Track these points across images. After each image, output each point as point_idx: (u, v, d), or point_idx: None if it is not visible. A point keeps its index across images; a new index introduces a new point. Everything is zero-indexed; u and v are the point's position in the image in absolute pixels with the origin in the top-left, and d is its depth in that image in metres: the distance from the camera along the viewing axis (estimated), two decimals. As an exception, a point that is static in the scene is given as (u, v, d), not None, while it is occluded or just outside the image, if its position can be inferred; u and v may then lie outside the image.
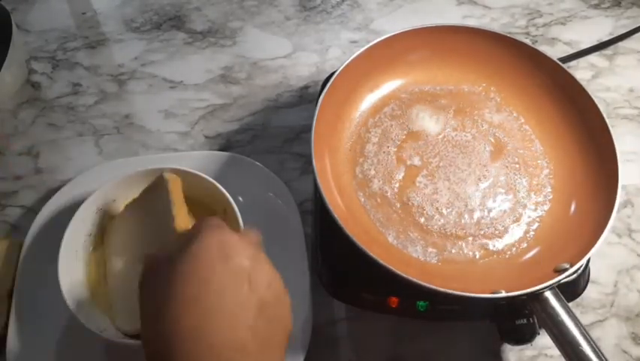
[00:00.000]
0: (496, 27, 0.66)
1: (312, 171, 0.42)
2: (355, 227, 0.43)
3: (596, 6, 0.68)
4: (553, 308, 0.38)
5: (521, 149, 0.49)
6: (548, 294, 0.39)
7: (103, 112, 0.60)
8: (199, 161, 0.52)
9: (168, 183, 0.42)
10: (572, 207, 0.46)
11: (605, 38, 0.65)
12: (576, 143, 0.48)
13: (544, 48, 0.54)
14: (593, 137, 0.47)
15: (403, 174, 0.47)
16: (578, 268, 0.40)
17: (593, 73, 0.63)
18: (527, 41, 0.51)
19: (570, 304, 0.39)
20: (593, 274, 0.46)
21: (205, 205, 0.46)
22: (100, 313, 0.41)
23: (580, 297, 0.44)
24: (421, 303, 0.42)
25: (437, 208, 0.46)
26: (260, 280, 0.31)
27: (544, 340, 0.44)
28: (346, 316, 0.48)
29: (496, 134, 0.50)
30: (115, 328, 0.40)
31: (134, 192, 0.45)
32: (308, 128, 0.44)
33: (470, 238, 0.45)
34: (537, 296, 0.38)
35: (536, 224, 0.45)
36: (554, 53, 0.62)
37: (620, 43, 0.65)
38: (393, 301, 0.42)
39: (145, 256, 0.33)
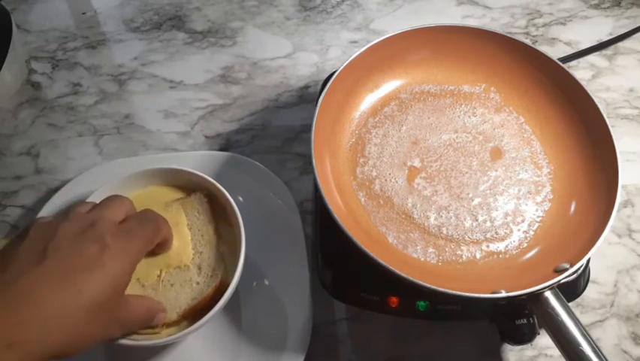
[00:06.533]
0: (496, 27, 0.66)
1: (312, 171, 0.42)
2: (355, 227, 0.43)
3: (596, 6, 0.68)
4: (553, 308, 0.38)
5: (521, 149, 0.49)
6: (548, 294, 0.39)
7: (103, 112, 0.60)
8: (199, 161, 0.52)
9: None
10: (572, 207, 0.46)
11: (605, 38, 0.65)
12: (576, 143, 0.48)
13: (544, 48, 0.54)
14: (593, 137, 0.47)
15: (403, 175, 0.47)
16: (578, 268, 0.40)
17: (593, 73, 0.63)
18: (527, 41, 0.51)
19: (570, 304, 0.39)
20: (593, 274, 0.46)
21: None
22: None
23: (580, 297, 0.44)
24: (421, 303, 0.42)
25: (437, 209, 0.46)
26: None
27: (544, 340, 0.44)
28: (346, 316, 0.48)
29: (496, 134, 0.50)
30: None
31: (134, 192, 0.45)
32: (308, 128, 0.44)
33: (470, 239, 0.45)
34: (537, 296, 0.38)
35: (536, 224, 0.45)
36: (554, 53, 0.62)
37: (620, 44, 0.65)
38: (394, 301, 0.42)
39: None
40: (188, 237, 0.42)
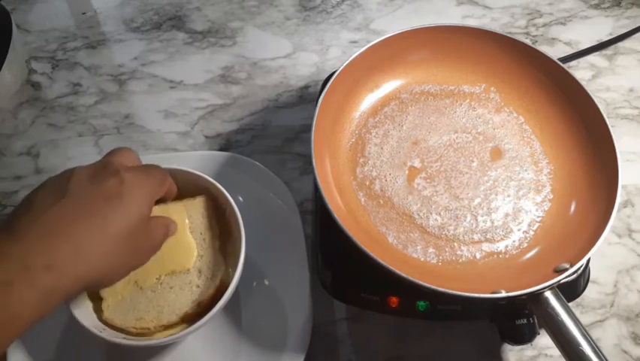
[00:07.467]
0: (496, 27, 0.66)
1: (312, 171, 0.42)
2: (355, 227, 0.43)
3: (596, 6, 0.68)
4: (553, 308, 0.38)
5: (521, 149, 0.49)
6: (548, 294, 0.39)
7: (103, 112, 0.60)
8: (199, 161, 0.52)
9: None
10: (572, 207, 0.46)
11: (605, 38, 0.65)
12: (576, 143, 0.48)
13: (544, 48, 0.54)
14: (593, 137, 0.47)
15: (403, 175, 0.47)
16: (578, 268, 0.40)
17: (593, 73, 0.63)
18: (527, 41, 0.51)
19: (570, 304, 0.39)
20: (593, 274, 0.46)
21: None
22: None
23: (580, 297, 0.44)
24: (421, 303, 0.42)
25: (437, 209, 0.46)
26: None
27: (544, 340, 0.44)
28: (346, 316, 0.48)
29: (496, 134, 0.50)
30: (103, 321, 0.40)
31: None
32: (308, 128, 0.44)
33: (470, 239, 0.45)
34: (537, 296, 0.38)
35: (536, 224, 0.45)
36: (554, 53, 0.62)
37: (620, 44, 0.65)
38: (394, 301, 0.42)
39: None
40: (191, 241, 0.42)
